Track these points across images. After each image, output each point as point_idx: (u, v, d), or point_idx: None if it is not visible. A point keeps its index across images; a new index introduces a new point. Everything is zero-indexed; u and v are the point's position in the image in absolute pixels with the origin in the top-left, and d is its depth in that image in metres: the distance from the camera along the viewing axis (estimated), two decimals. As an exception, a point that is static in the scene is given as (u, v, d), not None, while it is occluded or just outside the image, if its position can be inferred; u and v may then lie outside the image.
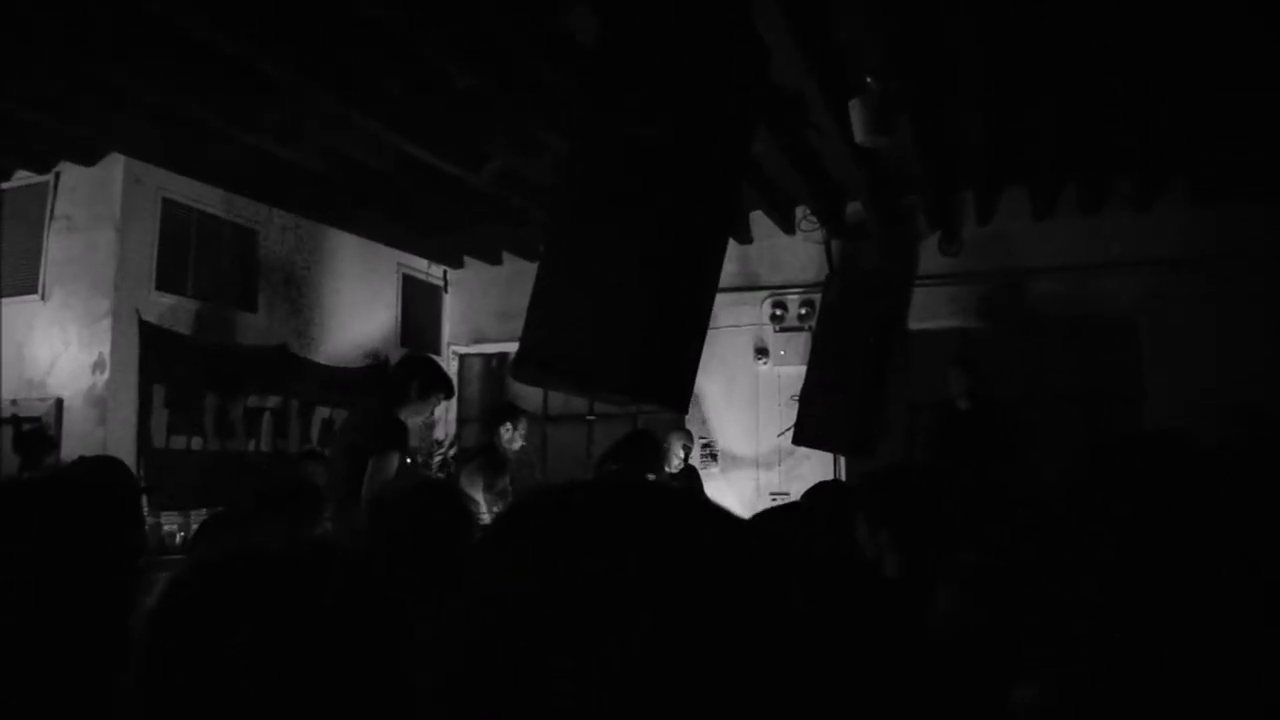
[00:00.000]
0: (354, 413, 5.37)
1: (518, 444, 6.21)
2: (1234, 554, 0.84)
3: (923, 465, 6.09)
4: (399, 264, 9.42)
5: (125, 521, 1.89)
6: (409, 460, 5.05)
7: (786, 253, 8.93)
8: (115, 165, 6.65)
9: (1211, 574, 0.84)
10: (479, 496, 5.74)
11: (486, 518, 5.78)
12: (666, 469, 7.01)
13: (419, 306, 9.70)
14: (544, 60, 5.19)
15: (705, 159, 3.48)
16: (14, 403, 6.60)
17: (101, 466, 3.79)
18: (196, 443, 6.94)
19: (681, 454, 7.10)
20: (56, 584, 1.55)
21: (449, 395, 5.23)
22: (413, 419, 4.93)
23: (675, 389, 3.59)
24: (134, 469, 5.68)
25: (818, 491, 3.12)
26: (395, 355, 9.16)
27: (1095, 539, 0.96)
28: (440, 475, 8.87)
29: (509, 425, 6.14)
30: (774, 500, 8.49)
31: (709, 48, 3.51)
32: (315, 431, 8.06)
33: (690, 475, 7.26)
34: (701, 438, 8.83)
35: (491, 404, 7.66)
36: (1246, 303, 7.45)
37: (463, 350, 10.05)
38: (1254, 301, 7.43)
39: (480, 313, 9.91)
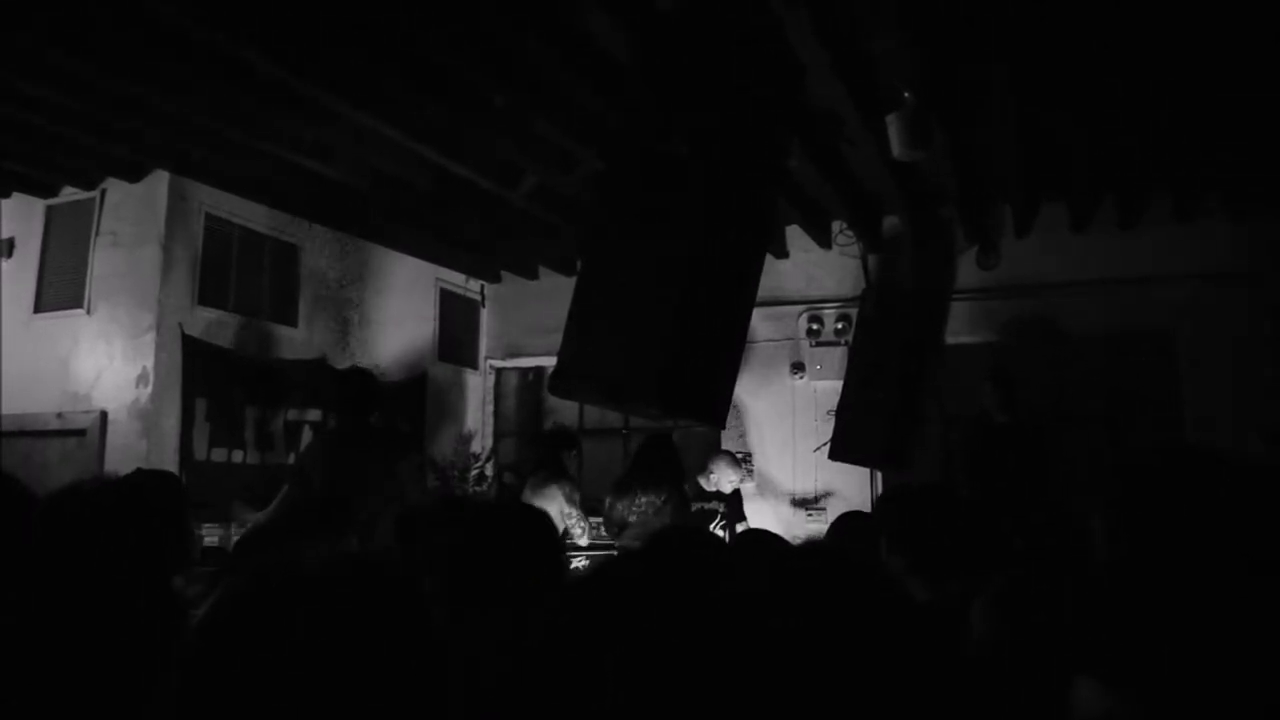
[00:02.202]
0: (346, 424, 5.55)
1: (571, 468, 6.60)
2: (1227, 561, 0.84)
3: (939, 487, 6.05)
4: (437, 278, 9.50)
5: (171, 533, 1.92)
6: None
7: (822, 267, 8.91)
8: (160, 182, 6.77)
9: (1206, 578, 0.85)
10: (558, 509, 6.09)
11: (577, 530, 6.27)
12: (706, 487, 7.01)
13: (456, 321, 9.77)
14: (578, 78, 5.24)
15: (738, 175, 3.50)
16: (59, 415, 6.72)
17: (152, 480, 3.86)
18: (237, 455, 7.01)
19: (723, 476, 7.05)
20: (103, 589, 1.58)
21: None
22: None
23: (706, 403, 3.59)
24: (176, 481, 5.77)
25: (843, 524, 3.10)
26: (433, 369, 9.24)
27: (1088, 534, 0.97)
28: (477, 488, 8.93)
29: (573, 453, 6.67)
30: (809, 515, 8.46)
31: (741, 66, 3.52)
32: (354, 444, 8.11)
33: (732, 497, 7.20)
34: (738, 452, 8.82)
35: (553, 427, 7.84)
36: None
37: (499, 364, 10.11)
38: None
39: (517, 327, 9.96)
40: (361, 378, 5.65)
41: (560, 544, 2.61)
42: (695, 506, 6.92)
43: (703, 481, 7.04)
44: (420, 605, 1.14)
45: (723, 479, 7.02)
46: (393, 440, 5.30)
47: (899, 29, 4.78)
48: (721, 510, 6.94)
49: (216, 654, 1.04)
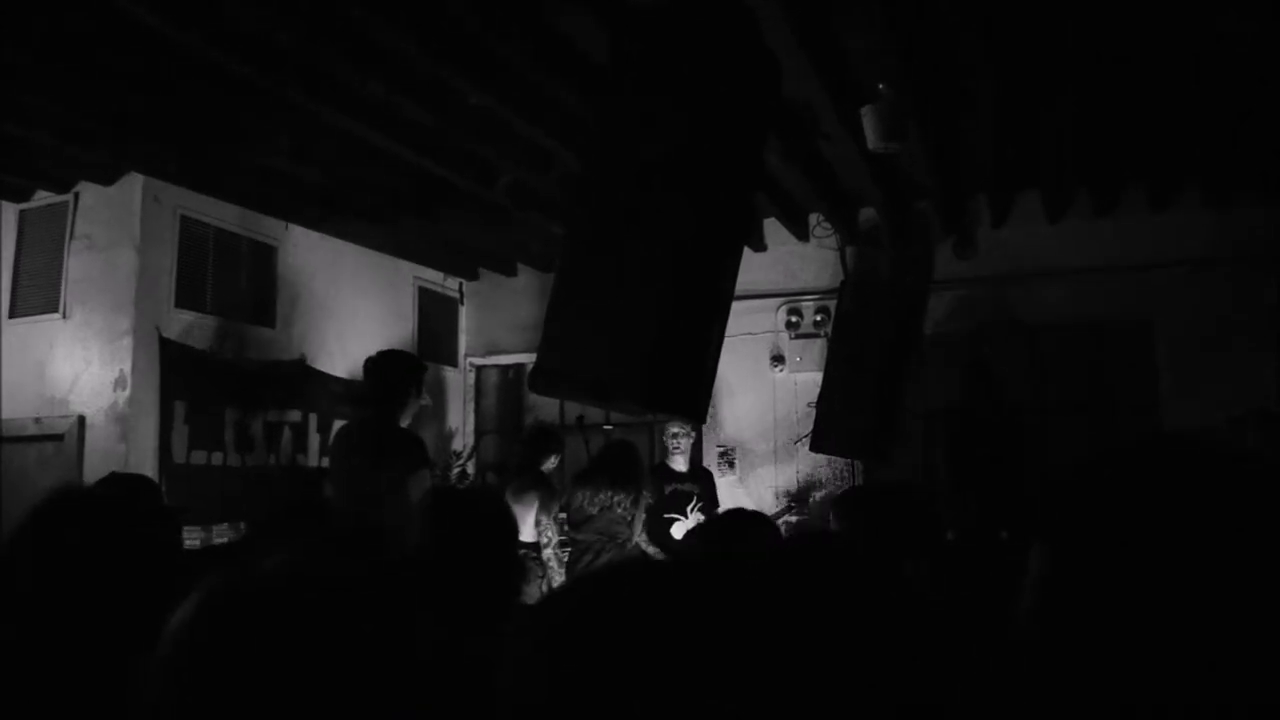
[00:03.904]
0: (361, 424, 5.20)
1: (552, 470, 6.59)
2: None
3: (904, 484, 6.13)
4: (415, 277, 9.47)
5: (162, 538, 1.91)
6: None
7: (800, 260, 8.94)
8: (134, 184, 6.71)
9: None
10: (531, 516, 6.00)
11: (546, 539, 6.08)
12: (677, 467, 7.09)
13: (435, 319, 9.75)
14: (553, 76, 5.24)
15: (715, 171, 3.50)
16: (37, 421, 6.67)
17: (128, 485, 3.83)
18: (217, 458, 6.98)
19: (667, 432, 7.16)
20: (91, 597, 1.57)
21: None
22: (406, 421, 4.98)
23: (689, 398, 3.60)
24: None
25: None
26: (412, 368, 9.20)
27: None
28: (459, 486, 8.91)
29: (556, 456, 6.62)
30: (791, 507, 8.51)
31: (717, 61, 3.53)
32: (334, 445, 8.09)
33: (704, 478, 7.26)
34: (719, 445, 8.86)
35: (535, 427, 7.77)
36: (1261, 306, 7.42)
37: (479, 362, 10.09)
38: (1269, 305, 7.40)
39: (496, 324, 9.95)
40: (383, 367, 4.99)
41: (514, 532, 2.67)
42: (669, 488, 6.98)
43: (671, 463, 7.15)
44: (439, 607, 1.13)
45: (667, 434, 7.15)
46: (409, 449, 4.82)
47: (875, 23, 4.79)
48: (697, 492, 6.98)
49: (192, 664, 1.02)
